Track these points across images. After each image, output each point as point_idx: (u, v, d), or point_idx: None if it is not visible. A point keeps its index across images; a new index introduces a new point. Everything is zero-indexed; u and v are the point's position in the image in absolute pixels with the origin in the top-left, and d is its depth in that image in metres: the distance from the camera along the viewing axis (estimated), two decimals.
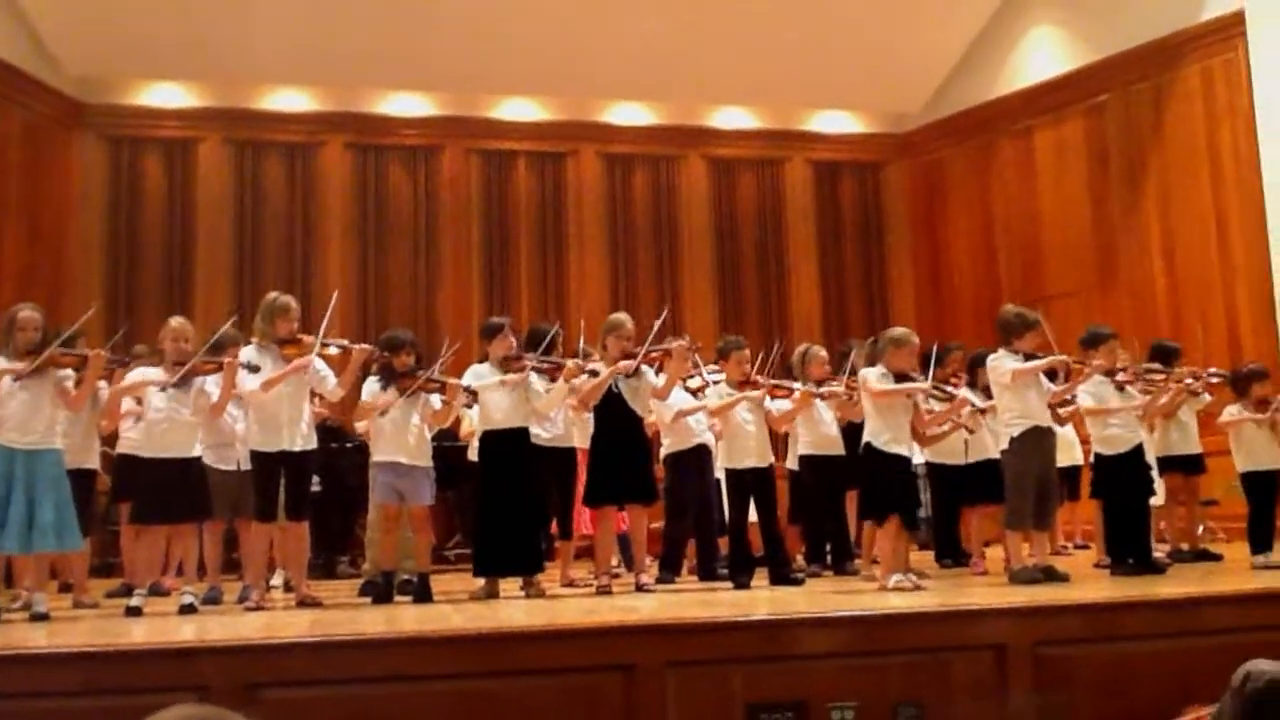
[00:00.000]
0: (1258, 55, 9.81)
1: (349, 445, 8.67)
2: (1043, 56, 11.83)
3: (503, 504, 6.22)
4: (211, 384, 5.92)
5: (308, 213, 11.66)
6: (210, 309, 10.51)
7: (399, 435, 6.14)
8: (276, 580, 7.17)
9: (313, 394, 6.16)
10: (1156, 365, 7.37)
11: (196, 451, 5.96)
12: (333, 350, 6.02)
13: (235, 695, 3.86)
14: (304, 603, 5.91)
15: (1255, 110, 9.80)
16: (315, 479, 6.93)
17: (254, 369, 5.78)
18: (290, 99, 11.76)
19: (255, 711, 3.87)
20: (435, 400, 6.30)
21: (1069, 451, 8.47)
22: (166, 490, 5.77)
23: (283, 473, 5.92)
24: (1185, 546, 7.52)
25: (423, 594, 6.05)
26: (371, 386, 6.23)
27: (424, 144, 11.99)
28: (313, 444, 6.05)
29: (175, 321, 6.08)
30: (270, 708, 3.93)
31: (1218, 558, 7.39)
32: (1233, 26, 10.08)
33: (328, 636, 4.36)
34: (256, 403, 5.91)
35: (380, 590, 6.15)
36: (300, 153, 11.72)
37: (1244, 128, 10.00)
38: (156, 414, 5.83)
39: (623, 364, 6.42)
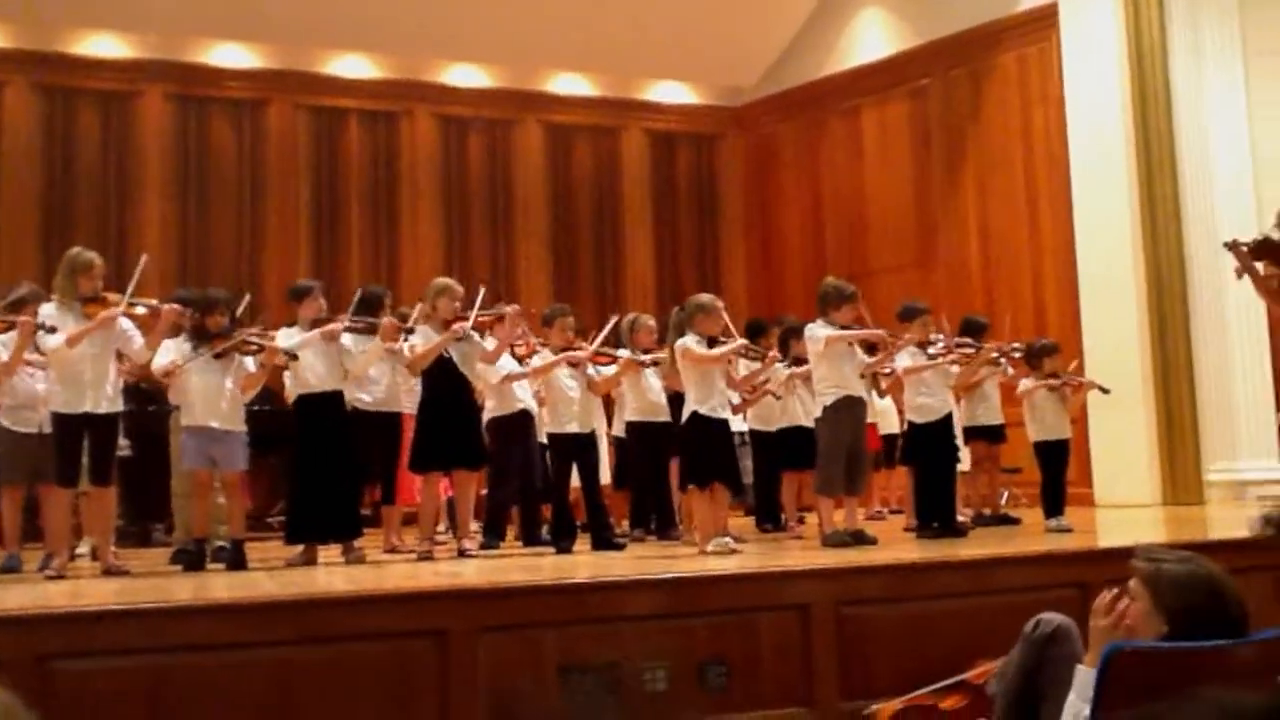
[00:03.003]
0: (1069, 44, 10.29)
1: (165, 409, 8.36)
2: (871, 38, 12.14)
3: (318, 468, 6.11)
4: None
5: (123, 166, 11.09)
6: (15, 266, 9.88)
7: (211, 399, 5.95)
8: (83, 549, 6.86)
9: (119, 355, 5.91)
10: (966, 339, 7.71)
11: None
12: (140, 310, 5.79)
13: (25, 668, 3.71)
14: (110, 571, 5.68)
15: (1065, 97, 10.30)
16: (128, 443, 6.69)
17: (50, 330, 5.49)
18: (106, 44, 11.14)
19: (47, 685, 3.73)
20: (250, 363, 6.12)
21: (887, 421, 8.81)
22: None
23: (86, 436, 5.67)
24: (987, 511, 7.93)
25: (236, 561, 5.91)
26: (181, 347, 6.00)
27: (250, 97, 11.55)
28: (119, 406, 5.81)
29: None
30: (65, 680, 3.80)
31: (1017, 521, 7.81)
32: (1047, 17, 10.53)
33: (129, 604, 4.24)
34: (59, 361, 5.62)
35: (191, 558, 5.97)
36: (116, 102, 11.13)
37: (1055, 114, 10.48)
38: None
39: (457, 325, 6.30)
